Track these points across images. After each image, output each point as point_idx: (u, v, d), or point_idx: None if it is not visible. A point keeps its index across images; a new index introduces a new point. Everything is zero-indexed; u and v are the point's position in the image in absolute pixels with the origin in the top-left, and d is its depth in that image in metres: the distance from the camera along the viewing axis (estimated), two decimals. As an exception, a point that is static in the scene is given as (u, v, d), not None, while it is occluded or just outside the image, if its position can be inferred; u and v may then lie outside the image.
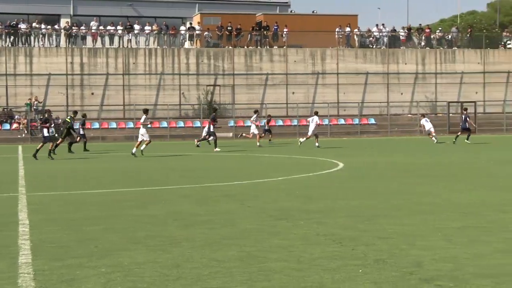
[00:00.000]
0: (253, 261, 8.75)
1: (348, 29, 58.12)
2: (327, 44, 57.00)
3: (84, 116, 37.89)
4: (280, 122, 53.04)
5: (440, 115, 56.24)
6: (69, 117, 35.97)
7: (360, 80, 56.47)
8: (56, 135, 34.41)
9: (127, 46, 55.02)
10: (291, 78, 55.57)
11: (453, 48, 59.32)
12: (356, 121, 54.17)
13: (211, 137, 35.15)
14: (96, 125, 50.73)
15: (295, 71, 55.65)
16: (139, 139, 31.38)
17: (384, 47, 58.31)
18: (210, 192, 16.76)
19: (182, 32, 58.10)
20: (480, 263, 8.54)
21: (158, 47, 55.56)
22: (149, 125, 31.92)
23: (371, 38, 59.37)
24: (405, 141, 44.49)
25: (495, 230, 10.79)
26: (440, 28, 66.97)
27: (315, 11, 67.85)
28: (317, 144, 36.12)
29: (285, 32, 56.83)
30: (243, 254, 9.21)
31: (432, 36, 60.22)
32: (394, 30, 60.09)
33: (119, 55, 53.76)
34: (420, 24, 63.50)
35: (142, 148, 31.04)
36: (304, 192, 16.50)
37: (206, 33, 57.19)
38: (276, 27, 57.48)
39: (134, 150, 30.51)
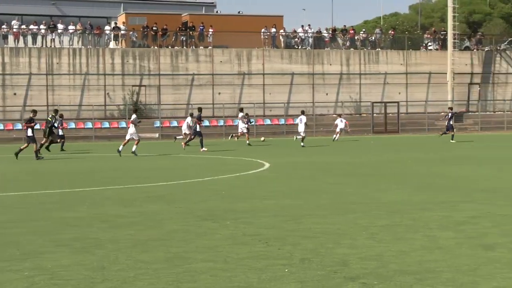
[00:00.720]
0: (179, 262, 8.70)
1: (273, 29, 58.40)
2: (253, 45, 57.16)
3: (61, 116, 37.59)
4: (207, 123, 52.91)
5: (364, 115, 57.05)
6: (50, 116, 35.76)
7: (286, 81, 56.80)
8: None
9: (51, 46, 54.05)
10: (217, 79, 55.53)
11: (377, 49, 60.22)
12: (282, 121, 54.48)
13: (198, 137, 34.79)
14: (19, 126, 49.69)
15: (221, 72, 55.63)
16: (127, 138, 31.26)
17: (309, 48, 58.79)
18: (136, 193, 16.60)
19: (107, 32, 57.39)
20: (404, 260, 8.68)
21: (83, 47, 54.77)
22: (138, 125, 31.69)
23: (296, 39, 59.78)
24: (330, 141, 44.91)
25: (418, 228, 10.99)
26: (364, 30, 67.90)
27: (240, 12, 67.97)
28: (302, 144, 37.21)
29: (210, 33, 56.75)
30: (169, 255, 9.15)
31: (356, 37, 61.02)
32: (319, 31, 60.64)
33: (42, 55, 52.79)
34: (345, 25, 64.27)
35: (133, 149, 30.77)
36: (231, 192, 16.50)
37: (131, 33, 56.66)
38: (202, 28, 57.35)
39: (121, 148, 30.66)
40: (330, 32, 62.15)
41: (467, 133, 56.00)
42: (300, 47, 59.30)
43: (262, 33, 57.93)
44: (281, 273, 8.08)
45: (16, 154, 29.47)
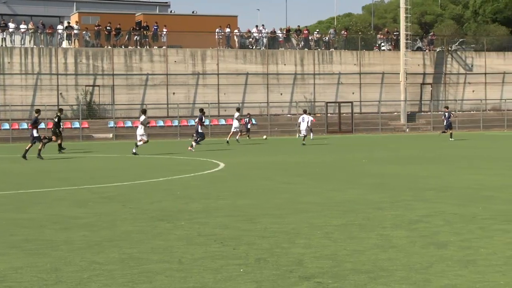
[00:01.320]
0: (134, 263, 8.66)
1: (228, 29, 58.40)
2: (207, 45, 57.10)
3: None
4: (161, 123, 52.74)
5: (319, 115, 57.36)
6: (56, 116, 35.93)
7: (240, 81, 56.85)
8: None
9: (2, 45, 53.33)
10: (172, 79, 55.33)
11: (331, 50, 60.58)
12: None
13: (199, 138, 34.79)
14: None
15: (176, 72, 55.44)
16: (138, 139, 31.45)
17: (263, 48, 58.91)
18: (90, 194, 16.47)
19: (60, 31, 56.79)
20: (358, 259, 8.76)
21: (35, 46, 54.11)
22: (147, 126, 32.16)
23: (250, 39, 59.86)
24: (285, 140, 45.09)
25: (372, 227, 11.09)
26: (317, 30, 68.26)
27: (195, 12, 67.85)
28: (303, 142, 38.67)
29: (164, 32, 56.53)
30: (124, 256, 9.10)
31: (310, 38, 61.30)
32: (273, 31, 60.79)
33: (-7, 54, 52.06)
34: (299, 26, 64.53)
35: (137, 146, 31.19)
36: (185, 192, 16.46)
37: (84, 32, 56.15)
38: (156, 27, 57.11)
39: (134, 150, 31.07)
40: (284, 32, 62.36)
41: (420, 132, 56.68)
42: (254, 47, 59.39)
43: (216, 33, 57.90)
44: (237, 273, 8.09)
45: (24, 156, 29.21)
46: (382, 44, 63.42)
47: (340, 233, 10.61)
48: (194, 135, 36.61)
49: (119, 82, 54.24)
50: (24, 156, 29.12)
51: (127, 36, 56.44)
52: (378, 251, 9.24)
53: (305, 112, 41.07)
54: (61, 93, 53.09)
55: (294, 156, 29.69)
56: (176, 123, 53.01)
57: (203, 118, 35.84)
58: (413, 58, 60.66)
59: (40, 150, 29.62)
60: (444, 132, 42.81)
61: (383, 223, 11.44)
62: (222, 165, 24.88)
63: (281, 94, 57.70)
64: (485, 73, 62.91)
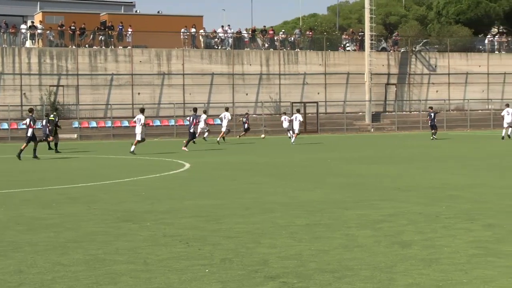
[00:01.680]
0: (99, 264, 8.61)
1: (193, 30, 58.27)
2: (173, 45, 56.91)
3: (47, 115, 36.78)
4: (126, 123, 52.45)
5: (289, 114, 57.40)
6: (52, 115, 35.78)
7: (206, 81, 56.74)
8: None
9: (-36, 45, 52.71)
10: (137, 79, 55.06)
11: (296, 50, 60.73)
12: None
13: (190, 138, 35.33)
14: None
15: (141, 72, 55.18)
16: (137, 138, 32.23)
17: (229, 48, 58.88)
18: (54, 195, 16.32)
19: (23, 30, 56.21)
20: (323, 258, 8.79)
21: (-3, 46, 53.52)
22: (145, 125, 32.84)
23: (216, 39, 59.79)
24: (250, 140, 45.09)
25: (337, 227, 11.14)
26: (283, 30, 68.39)
27: (160, 12, 67.62)
28: (293, 141, 39.66)
29: (130, 32, 56.24)
30: (88, 257, 9.04)
31: (275, 38, 61.40)
32: (239, 32, 60.80)
33: (-45, 54, 51.40)
34: (264, 26, 64.62)
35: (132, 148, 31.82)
36: (151, 193, 16.40)
37: (48, 32, 55.64)
38: (121, 27, 56.80)
39: (133, 148, 31.55)
40: (250, 32, 62.40)
41: (385, 132, 57.06)
42: (220, 47, 59.34)
43: (182, 33, 57.74)
44: (202, 273, 8.08)
45: (18, 155, 29.13)
46: (347, 44, 63.73)
47: (305, 233, 10.64)
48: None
49: (83, 82, 53.84)
50: (18, 156, 28.98)
51: (91, 36, 56.05)
52: (343, 250, 9.29)
53: (298, 111, 41.68)
54: (24, 93, 52.56)
55: (260, 156, 29.71)
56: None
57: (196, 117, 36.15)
58: (377, 58, 61.05)
59: (35, 150, 29.49)
60: (433, 134, 42.95)
61: (348, 223, 11.50)
62: (187, 165, 24.83)
63: (247, 94, 57.72)
64: (449, 74, 63.52)
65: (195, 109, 37.19)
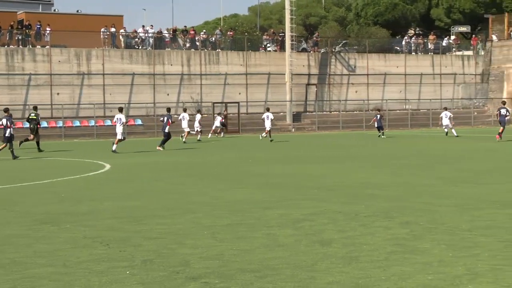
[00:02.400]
0: (17, 268, 8.45)
1: (113, 29, 57.64)
2: (93, 45, 56.16)
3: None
4: (45, 124, 51.48)
5: (206, 115, 57.35)
6: (33, 114, 35.37)
7: (127, 81, 56.18)
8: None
9: None
10: (56, 79, 54.10)
11: (217, 50, 60.73)
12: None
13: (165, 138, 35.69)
14: None
15: (60, 72, 54.24)
16: (118, 137, 32.72)
17: (150, 48, 58.46)
18: (-31, 198, 15.93)
19: None
20: (245, 258, 8.83)
21: None
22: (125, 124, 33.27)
23: (137, 39, 59.29)
24: (172, 141, 44.90)
25: (259, 226, 11.21)
26: (204, 30, 68.31)
27: (79, 11, 66.68)
28: (270, 138, 40.31)
29: (48, 32, 55.25)
30: (6, 261, 8.86)
31: (197, 38, 61.27)
32: (159, 32, 60.43)
33: None
34: (185, 26, 64.41)
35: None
36: (70, 194, 16.17)
37: (-37, 30, 54.20)
38: (38, 26, 55.73)
39: (114, 147, 31.97)
40: (171, 32, 62.08)
41: (305, 132, 57.59)
42: (140, 47, 58.85)
43: (101, 33, 57.04)
44: (123, 275, 8.03)
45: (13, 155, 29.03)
46: (268, 45, 64.06)
47: (227, 233, 10.68)
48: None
49: (0, 82, 52.61)
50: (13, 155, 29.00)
51: (8, 35, 54.80)
52: (265, 250, 9.35)
53: (268, 110, 41.94)
54: None
55: (182, 156, 29.61)
56: (60, 124, 51.90)
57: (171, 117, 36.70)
58: (298, 59, 61.56)
59: (12, 150, 29.27)
60: (381, 134, 44.89)
61: (270, 222, 11.58)
62: (108, 166, 24.56)
63: (168, 94, 57.40)
64: (367, 74, 64.54)
65: (168, 109, 37.86)
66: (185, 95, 57.83)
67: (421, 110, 65.06)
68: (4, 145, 29.33)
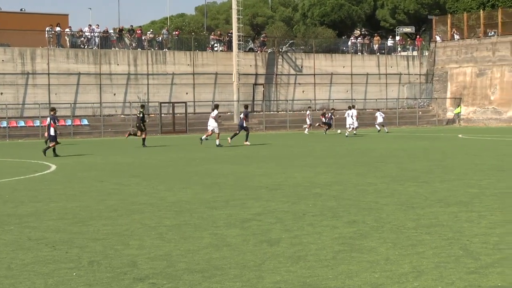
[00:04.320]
0: (-41, 271, 8.29)
1: (58, 28, 56.93)
2: (37, 44, 55.37)
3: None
4: (-11, 124, 50.65)
5: (153, 115, 57.06)
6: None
7: (72, 81, 55.54)
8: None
9: None
10: (-1, 78, 53.23)
11: (164, 50, 60.43)
12: (69, 122, 53.23)
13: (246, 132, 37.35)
14: None
15: (3, 71, 53.36)
16: (209, 130, 35.88)
17: (96, 47, 57.90)
18: None
19: None
20: (192, 258, 8.81)
21: None
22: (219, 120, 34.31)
23: (82, 38, 58.65)
24: (119, 141, 44.56)
25: (206, 226, 11.19)
26: (151, 30, 67.92)
27: (23, 9, 65.70)
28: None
29: (-9, 30, 54.31)
30: None
31: (143, 38, 60.88)
32: (106, 31, 59.89)
33: None
34: (132, 26, 63.95)
35: (217, 142, 35.34)
36: (14, 196, 15.93)
37: None
38: (-19, 25, 54.78)
39: (204, 137, 35.45)
40: (117, 32, 61.57)
41: (252, 132, 57.67)
42: (86, 46, 58.25)
43: (46, 32, 56.28)
44: (69, 277, 7.93)
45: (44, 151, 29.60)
46: (215, 45, 63.99)
47: (174, 233, 10.63)
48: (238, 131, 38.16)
49: None
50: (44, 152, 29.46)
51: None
52: (212, 250, 9.34)
53: (246, 107, 41.45)
54: None
55: (127, 157, 29.39)
56: (4, 124, 51.05)
57: (248, 114, 38.15)
58: (245, 59, 61.63)
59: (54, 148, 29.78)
60: (326, 129, 49.46)
61: (217, 222, 11.57)
62: (53, 167, 24.26)
63: (115, 94, 56.93)
64: (314, 74, 64.92)
65: (246, 106, 39.90)
66: (132, 95, 57.41)
67: (367, 110, 65.66)
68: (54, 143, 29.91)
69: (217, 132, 36.83)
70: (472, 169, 20.72)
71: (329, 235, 10.24)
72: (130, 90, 57.62)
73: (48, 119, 30.40)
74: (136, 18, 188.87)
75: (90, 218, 12.22)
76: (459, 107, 65.70)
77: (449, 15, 70.29)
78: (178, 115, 57.45)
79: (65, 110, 53.31)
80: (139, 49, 59.28)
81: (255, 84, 62.91)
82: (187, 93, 59.62)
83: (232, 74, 59.82)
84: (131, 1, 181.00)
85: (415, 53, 71.85)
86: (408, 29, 77.92)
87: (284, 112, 62.47)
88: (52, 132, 29.74)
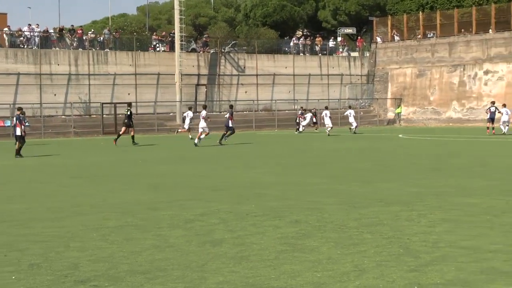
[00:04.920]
0: None
1: (-4, 27, 55.96)
2: (-25, 43, 54.39)
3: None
4: None
5: (94, 116, 56.51)
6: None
7: (11, 81, 54.59)
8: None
9: None
10: None
11: (106, 50, 59.86)
12: (8, 123, 52.26)
13: (229, 132, 37.84)
14: None
15: None
16: (200, 131, 36.25)
17: (36, 47, 57.04)
18: None
19: None
20: (135, 260, 8.76)
21: None
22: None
23: (22, 38, 57.72)
24: (60, 142, 44.01)
25: (149, 227, 11.13)
26: (92, 30, 67.23)
27: (-40, 8, 64.46)
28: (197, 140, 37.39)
29: None
30: None
31: (84, 37, 60.21)
32: (46, 30, 59.04)
33: None
34: (72, 25, 63.20)
35: (196, 140, 35.91)
36: (-48, 198, 15.61)
37: None
38: None
39: (196, 140, 35.55)
40: (58, 31, 60.78)
41: (195, 133, 57.46)
42: (26, 46, 57.34)
43: (-16, 31, 55.29)
44: (8, 280, 7.82)
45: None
46: (157, 45, 63.64)
47: (117, 234, 10.56)
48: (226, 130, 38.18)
49: None
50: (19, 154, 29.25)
51: None
52: (155, 251, 9.30)
53: (231, 107, 41.06)
54: None
55: (68, 158, 29.03)
56: None
57: (233, 113, 38.74)
58: (188, 59, 61.42)
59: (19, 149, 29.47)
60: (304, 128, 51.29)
61: (160, 223, 11.52)
62: (-8, 169, 23.84)
63: (55, 95, 56.15)
64: (257, 75, 65.05)
65: (231, 106, 40.64)
66: (73, 96, 56.69)
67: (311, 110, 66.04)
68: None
69: (207, 132, 37.46)
70: (411, 168, 21.04)
71: (272, 235, 10.28)
72: (71, 90, 56.90)
73: (14, 118, 30.14)
74: (77, 17, 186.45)
75: (30, 220, 12.05)
76: (400, 107, 66.60)
77: (389, 17, 71.23)
78: (120, 115, 56.91)
79: (4, 110, 52.41)
80: (80, 49, 58.59)
81: (198, 84, 62.76)
82: (129, 94, 59.14)
83: (174, 74, 59.59)
84: (71, 0, 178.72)
85: (356, 54, 72.58)
86: (349, 30, 78.66)
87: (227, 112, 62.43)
88: (18, 132, 29.41)
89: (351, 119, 49.26)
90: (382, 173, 19.88)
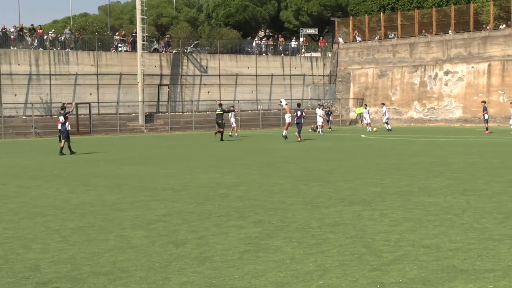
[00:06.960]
0: None
1: (-46, 27, 55.16)
2: None
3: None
4: None
5: (55, 116, 55.96)
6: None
7: (-30, 81, 53.93)
8: None
9: None
10: None
11: (67, 50, 59.37)
12: None
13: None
14: None
15: None
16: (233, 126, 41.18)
17: (-5, 47, 56.36)
18: None
19: None
20: (97, 261, 8.70)
21: None
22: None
23: (-20, 37, 56.98)
24: (20, 143, 43.56)
25: (111, 228, 11.06)
26: (53, 29, 66.62)
27: None
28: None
29: None
30: None
31: (45, 37, 59.65)
32: (5, 30, 58.35)
33: None
34: (33, 25, 62.57)
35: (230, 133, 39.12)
36: None
37: None
38: None
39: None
40: (18, 30, 60.13)
41: (158, 133, 57.32)
42: (-15, 46, 56.61)
43: None
44: (-32, 283, 7.71)
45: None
46: (119, 45, 63.28)
47: (78, 236, 10.48)
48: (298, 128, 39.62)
49: None
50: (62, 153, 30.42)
51: None
52: (117, 252, 9.25)
53: (220, 105, 41.54)
54: None
55: (27, 159, 28.75)
56: None
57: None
58: (150, 59, 61.20)
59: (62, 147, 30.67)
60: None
61: (122, 224, 11.46)
62: (-49, 170, 23.51)
63: (15, 95, 55.58)
64: (219, 75, 65.02)
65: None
66: (34, 96, 56.15)
67: (272, 111, 66.21)
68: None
69: (235, 125, 44.28)
70: (374, 168, 21.18)
71: (235, 235, 10.28)
72: (32, 90, 56.34)
73: (61, 117, 31.12)
74: (38, 17, 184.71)
75: (-10, 222, 11.91)
76: (361, 107, 67.02)
77: (351, 17, 71.69)
78: (81, 116, 56.52)
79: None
80: (41, 49, 58.04)
81: (160, 84, 62.55)
82: (91, 94, 58.74)
83: (136, 74, 59.33)
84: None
85: (318, 54, 72.89)
86: (311, 31, 78.96)
87: (190, 113, 62.34)
88: (68, 127, 31.11)
89: (320, 119, 50.16)
90: (344, 172, 19.99)
